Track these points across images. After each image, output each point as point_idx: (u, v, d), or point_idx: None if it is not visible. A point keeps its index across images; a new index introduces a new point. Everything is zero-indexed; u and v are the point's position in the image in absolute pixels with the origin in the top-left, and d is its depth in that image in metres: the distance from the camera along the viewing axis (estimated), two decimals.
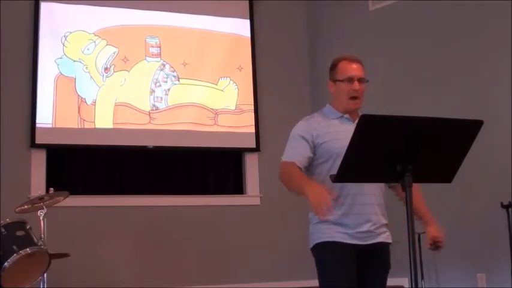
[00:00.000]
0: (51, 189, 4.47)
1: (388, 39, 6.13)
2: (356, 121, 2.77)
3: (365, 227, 2.71)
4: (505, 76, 5.31)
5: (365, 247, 2.71)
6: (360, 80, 2.81)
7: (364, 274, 2.71)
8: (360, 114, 2.84)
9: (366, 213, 2.72)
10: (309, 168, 2.80)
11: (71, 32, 6.02)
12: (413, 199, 2.73)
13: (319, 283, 2.75)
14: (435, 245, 2.68)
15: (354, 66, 2.82)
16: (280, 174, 2.75)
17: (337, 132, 2.75)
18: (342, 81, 2.81)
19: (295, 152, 2.76)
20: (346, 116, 2.83)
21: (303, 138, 2.78)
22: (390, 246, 2.83)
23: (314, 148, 2.77)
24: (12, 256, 3.93)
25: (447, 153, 2.32)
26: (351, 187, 2.69)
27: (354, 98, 2.80)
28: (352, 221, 2.70)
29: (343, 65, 2.83)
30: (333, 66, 2.87)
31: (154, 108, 6.17)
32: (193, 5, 6.47)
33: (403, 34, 6.04)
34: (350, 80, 2.79)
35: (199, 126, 6.27)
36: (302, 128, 2.82)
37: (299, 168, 2.72)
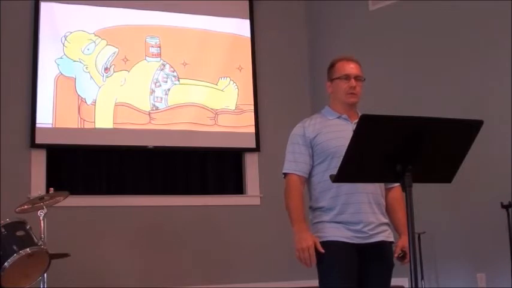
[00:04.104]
0: (51, 189, 4.46)
1: (388, 39, 6.13)
2: (354, 121, 2.79)
3: (363, 226, 2.72)
4: (506, 76, 5.30)
5: (365, 246, 2.71)
6: (357, 78, 2.85)
7: (366, 273, 2.72)
8: (359, 114, 2.86)
9: (364, 213, 2.72)
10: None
11: (71, 32, 6.02)
12: (398, 211, 2.83)
13: (319, 283, 2.76)
14: (404, 254, 2.74)
15: (352, 65, 2.88)
16: (284, 190, 2.82)
17: (334, 132, 2.79)
18: (339, 78, 2.85)
19: (296, 160, 2.81)
20: (344, 116, 2.86)
21: (302, 143, 2.82)
22: (392, 245, 2.83)
23: (312, 149, 2.80)
24: (12, 256, 3.93)
25: (447, 153, 2.32)
26: (349, 187, 2.70)
27: (351, 94, 2.84)
28: (350, 220, 2.71)
29: (340, 64, 2.89)
30: (331, 66, 2.93)
31: (154, 108, 6.17)
32: (193, 5, 6.47)
33: (403, 34, 6.04)
34: (347, 77, 2.84)
35: (199, 126, 6.27)
36: (300, 131, 2.86)
37: (301, 179, 2.79)
